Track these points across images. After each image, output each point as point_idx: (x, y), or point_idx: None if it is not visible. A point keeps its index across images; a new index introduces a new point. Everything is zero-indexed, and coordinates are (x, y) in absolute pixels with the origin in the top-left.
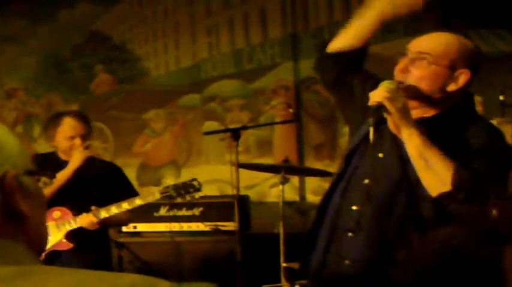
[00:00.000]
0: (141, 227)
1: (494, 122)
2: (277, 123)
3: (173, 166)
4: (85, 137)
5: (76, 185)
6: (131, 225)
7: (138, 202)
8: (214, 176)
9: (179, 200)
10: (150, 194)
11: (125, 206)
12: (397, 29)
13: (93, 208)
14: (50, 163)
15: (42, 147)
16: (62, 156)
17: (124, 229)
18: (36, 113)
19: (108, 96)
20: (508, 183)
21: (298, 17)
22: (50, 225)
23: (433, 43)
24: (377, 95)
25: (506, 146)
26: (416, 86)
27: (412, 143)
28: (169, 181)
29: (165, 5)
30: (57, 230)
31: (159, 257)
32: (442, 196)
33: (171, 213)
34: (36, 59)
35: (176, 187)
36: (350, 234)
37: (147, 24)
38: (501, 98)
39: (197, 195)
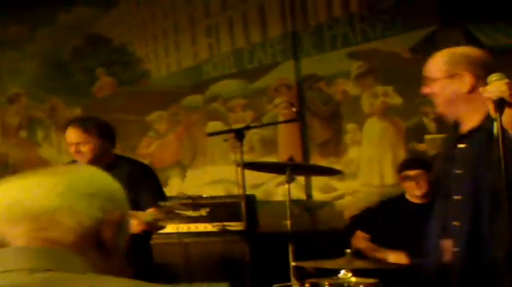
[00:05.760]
0: None
1: None
2: (280, 122)
3: (179, 167)
4: (80, 144)
5: None
6: None
7: None
8: (220, 176)
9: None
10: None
11: None
12: (397, 25)
13: None
14: None
15: (46, 151)
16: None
17: None
18: (40, 118)
19: (111, 99)
20: None
21: (297, 15)
22: None
23: (428, 66)
24: (497, 91)
25: None
26: None
27: None
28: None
29: (163, 7)
30: None
31: (167, 259)
32: None
33: None
34: (37, 63)
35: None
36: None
37: (146, 26)
38: None
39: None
